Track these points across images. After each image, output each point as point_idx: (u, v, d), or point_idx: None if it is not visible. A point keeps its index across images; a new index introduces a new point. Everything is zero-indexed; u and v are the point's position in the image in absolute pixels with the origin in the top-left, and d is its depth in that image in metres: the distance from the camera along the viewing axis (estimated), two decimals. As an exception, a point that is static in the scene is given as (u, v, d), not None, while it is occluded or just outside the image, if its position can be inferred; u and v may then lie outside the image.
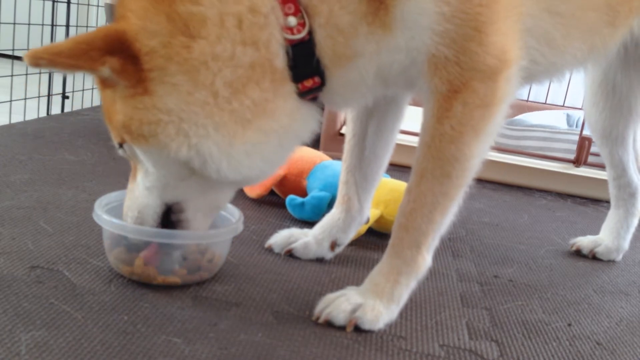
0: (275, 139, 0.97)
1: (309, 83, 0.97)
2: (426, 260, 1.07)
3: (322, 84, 0.98)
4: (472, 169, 1.04)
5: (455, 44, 0.95)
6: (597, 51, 1.28)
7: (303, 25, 0.92)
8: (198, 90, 0.91)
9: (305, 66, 0.95)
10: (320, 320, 1.02)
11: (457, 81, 0.98)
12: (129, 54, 0.90)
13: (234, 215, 1.20)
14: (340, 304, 1.03)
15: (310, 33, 0.93)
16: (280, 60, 0.93)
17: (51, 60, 0.86)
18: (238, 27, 0.90)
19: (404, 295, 1.07)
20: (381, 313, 1.03)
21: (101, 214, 1.09)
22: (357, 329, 1.02)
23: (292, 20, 0.92)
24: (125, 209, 1.07)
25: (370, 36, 0.95)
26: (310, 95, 0.99)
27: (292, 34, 0.92)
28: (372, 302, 1.04)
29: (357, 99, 1.08)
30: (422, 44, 0.96)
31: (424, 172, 1.03)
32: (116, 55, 0.89)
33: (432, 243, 1.07)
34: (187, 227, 1.05)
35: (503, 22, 0.99)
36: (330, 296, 1.06)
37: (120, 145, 1.01)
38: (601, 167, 2.18)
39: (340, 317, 1.02)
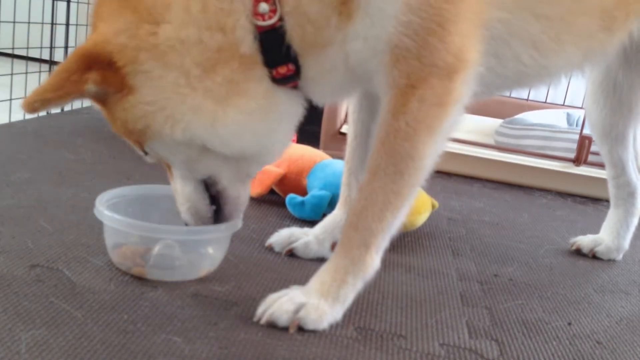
0: (259, 118, 1.00)
1: (282, 70, 0.98)
2: (375, 261, 1.04)
3: (298, 71, 0.99)
4: (425, 168, 1.03)
5: (418, 36, 0.95)
6: (594, 55, 1.28)
7: (274, 11, 0.93)
8: (169, 73, 0.94)
9: (276, 52, 0.96)
10: (263, 322, 0.99)
11: (416, 75, 0.98)
12: (105, 62, 0.93)
13: None
14: (282, 304, 1.00)
15: (281, 19, 0.94)
16: (247, 46, 0.95)
17: (43, 100, 0.91)
18: (203, 11, 0.92)
19: (349, 295, 1.04)
20: (325, 313, 1.01)
21: (103, 209, 1.09)
22: (360, 329, 1.02)
23: (264, 7, 0.93)
24: (178, 205, 1.12)
25: (339, 25, 0.96)
26: (288, 82, 1.00)
27: (263, 20, 0.93)
28: (316, 302, 1.01)
29: (336, 90, 1.09)
30: (385, 33, 0.96)
31: (377, 169, 1.02)
32: (94, 68, 0.93)
33: (382, 243, 1.04)
34: (227, 195, 1.10)
35: (466, 23, 0.99)
36: (272, 296, 1.03)
37: (145, 152, 1.06)
38: (601, 166, 2.17)
39: (283, 318, 0.99)
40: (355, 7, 0.94)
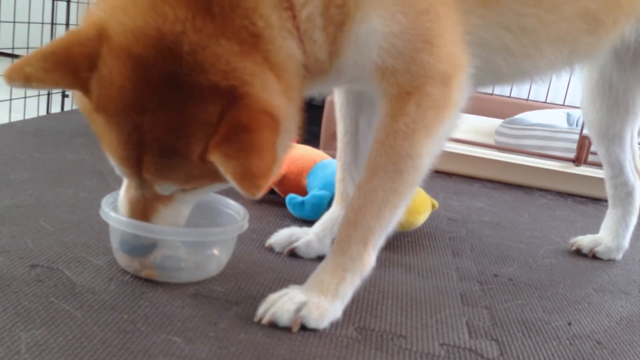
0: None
1: None
2: (372, 258, 1.06)
3: None
4: (423, 167, 1.05)
5: (403, 55, 0.99)
6: (581, 57, 1.29)
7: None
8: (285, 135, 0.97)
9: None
10: (264, 322, 0.99)
11: (408, 86, 1.01)
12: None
13: (239, 213, 1.20)
14: (283, 303, 1.00)
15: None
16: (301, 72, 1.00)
17: None
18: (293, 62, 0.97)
19: (348, 292, 1.05)
20: (326, 310, 1.01)
21: (109, 211, 1.09)
22: (360, 329, 1.02)
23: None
24: (164, 230, 1.05)
25: (332, 60, 1.01)
26: None
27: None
28: (317, 300, 1.01)
29: (320, 91, 1.18)
30: (368, 59, 1.00)
31: (376, 168, 1.03)
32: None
33: (379, 241, 1.06)
34: None
35: (451, 33, 1.03)
36: (272, 296, 1.03)
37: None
38: (601, 166, 2.17)
39: (284, 318, 0.99)
40: (346, 43, 0.99)
